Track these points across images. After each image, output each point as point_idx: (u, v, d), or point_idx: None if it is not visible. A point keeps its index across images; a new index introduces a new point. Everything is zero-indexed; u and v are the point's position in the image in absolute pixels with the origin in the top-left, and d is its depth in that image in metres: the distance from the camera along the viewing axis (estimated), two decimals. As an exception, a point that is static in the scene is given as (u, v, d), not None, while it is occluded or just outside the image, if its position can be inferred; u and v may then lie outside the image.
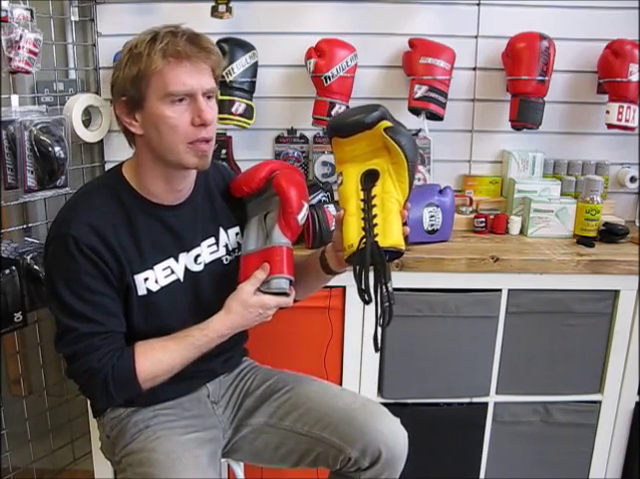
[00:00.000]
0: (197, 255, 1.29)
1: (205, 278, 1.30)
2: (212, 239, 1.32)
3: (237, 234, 1.36)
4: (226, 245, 1.34)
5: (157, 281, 1.23)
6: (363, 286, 1.13)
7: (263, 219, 1.31)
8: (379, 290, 1.14)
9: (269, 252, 1.25)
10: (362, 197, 1.17)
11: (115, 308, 1.18)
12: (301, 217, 1.28)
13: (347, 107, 1.90)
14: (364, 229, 1.14)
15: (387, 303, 1.14)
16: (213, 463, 1.27)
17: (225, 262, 1.34)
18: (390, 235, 1.14)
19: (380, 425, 1.30)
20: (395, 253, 1.15)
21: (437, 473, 1.87)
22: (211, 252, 1.32)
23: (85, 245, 1.13)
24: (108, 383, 1.15)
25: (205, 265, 1.30)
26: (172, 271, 1.25)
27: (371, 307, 1.15)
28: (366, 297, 1.14)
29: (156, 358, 1.18)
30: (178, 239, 1.26)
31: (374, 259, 1.12)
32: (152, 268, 1.22)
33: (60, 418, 2.00)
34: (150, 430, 1.26)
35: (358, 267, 1.14)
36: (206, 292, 1.30)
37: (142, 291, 1.21)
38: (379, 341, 1.17)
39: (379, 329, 1.16)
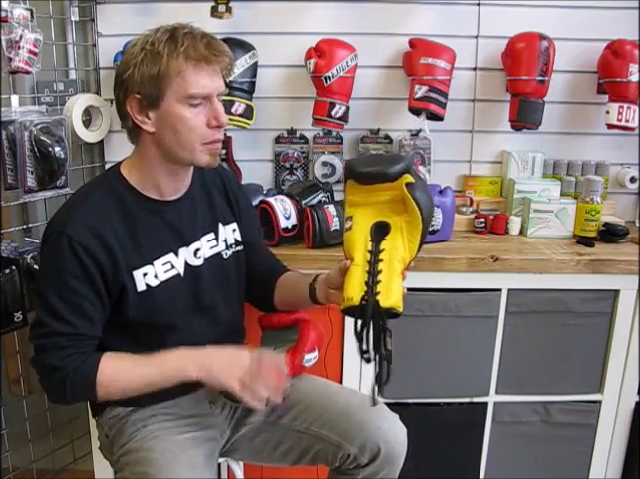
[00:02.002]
0: (197, 250, 1.29)
1: (205, 273, 1.30)
2: (212, 234, 1.33)
3: (235, 229, 1.37)
4: (226, 240, 1.35)
5: (156, 277, 1.23)
6: (364, 347, 1.12)
7: (273, 351, 1.36)
8: (379, 350, 1.13)
9: None
10: (369, 248, 1.14)
11: (92, 313, 1.17)
12: (308, 358, 1.35)
13: (347, 107, 1.90)
14: (367, 284, 1.11)
15: (385, 362, 1.14)
16: (210, 463, 1.27)
17: (225, 258, 1.35)
18: (390, 295, 1.11)
19: (378, 421, 1.31)
20: (392, 314, 1.13)
21: (437, 473, 1.88)
22: (211, 247, 1.32)
23: (78, 245, 1.13)
24: (65, 384, 1.14)
25: (205, 260, 1.31)
26: (173, 267, 1.25)
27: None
28: (366, 357, 1.13)
29: (118, 370, 1.17)
30: (178, 234, 1.27)
31: (374, 319, 1.11)
32: (151, 264, 1.22)
33: (60, 418, 2.00)
34: (147, 429, 1.26)
35: (359, 326, 1.11)
36: (206, 287, 1.30)
37: (140, 287, 1.21)
38: (375, 398, 1.14)
39: (376, 388, 1.14)
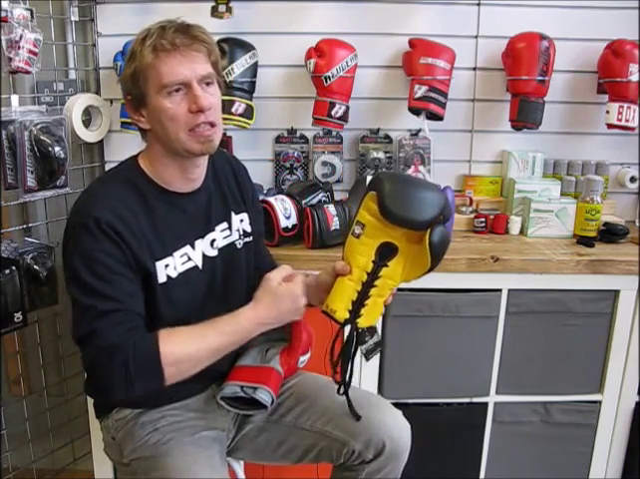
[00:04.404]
0: (213, 240, 1.31)
1: (219, 263, 1.31)
2: (225, 224, 1.34)
3: (242, 220, 1.38)
4: (238, 230, 1.37)
5: (175, 268, 1.24)
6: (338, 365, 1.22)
7: (264, 352, 1.37)
8: (346, 358, 1.21)
9: (265, 369, 1.32)
10: (369, 270, 1.14)
11: (133, 290, 1.16)
12: (302, 359, 1.37)
13: (347, 107, 1.90)
14: (353, 304, 1.15)
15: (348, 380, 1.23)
16: (224, 462, 1.28)
17: (239, 247, 1.36)
18: (371, 318, 1.17)
19: (383, 417, 1.31)
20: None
21: (437, 473, 1.88)
22: (225, 237, 1.33)
23: (107, 226, 1.13)
24: (128, 364, 1.07)
25: (219, 250, 1.32)
26: (189, 258, 1.26)
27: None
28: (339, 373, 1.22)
29: (181, 341, 1.12)
30: (194, 226, 1.28)
31: (348, 338, 1.19)
32: (171, 255, 1.23)
33: (60, 418, 2.00)
34: (159, 432, 1.25)
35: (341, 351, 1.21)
36: (219, 277, 1.31)
37: (162, 279, 1.21)
38: (356, 411, 1.27)
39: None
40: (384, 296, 1.16)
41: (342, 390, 1.24)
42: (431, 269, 1.13)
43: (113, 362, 1.07)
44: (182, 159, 1.22)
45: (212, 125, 1.18)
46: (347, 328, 1.18)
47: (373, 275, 1.14)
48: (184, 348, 1.12)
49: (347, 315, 1.15)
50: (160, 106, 1.16)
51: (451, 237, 1.16)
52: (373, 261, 1.14)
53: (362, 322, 1.15)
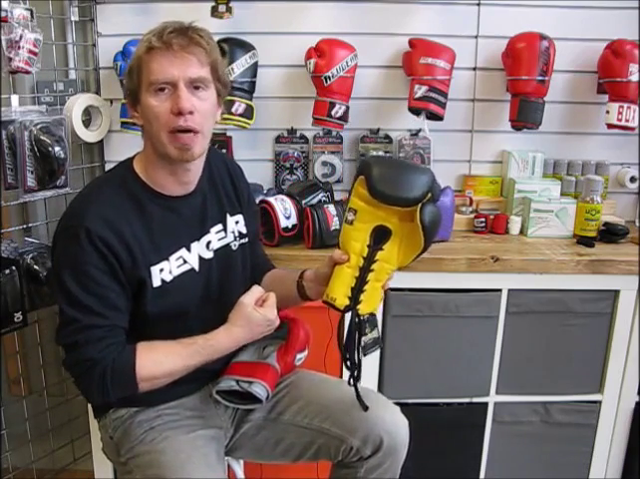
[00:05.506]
0: (208, 242, 1.31)
1: (215, 265, 1.32)
2: (220, 226, 1.34)
3: (238, 222, 1.38)
4: (233, 231, 1.37)
5: (170, 272, 1.24)
6: (347, 354, 1.20)
7: (262, 349, 1.37)
8: (352, 348, 1.20)
9: (262, 365, 1.32)
10: (365, 254, 1.15)
11: (119, 303, 1.18)
12: (299, 357, 1.37)
13: (347, 107, 1.90)
14: (352, 290, 1.16)
15: (356, 369, 1.22)
16: (221, 461, 1.28)
17: (234, 249, 1.36)
18: (371, 304, 1.17)
19: (380, 413, 1.31)
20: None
21: (437, 473, 1.88)
22: (219, 239, 1.33)
23: (97, 238, 1.13)
24: (106, 376, 1.13)
25: (215, 252, 1.32)
26: (185, 261, 1.26)
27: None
28: (349, 364, 1.21)
29: (157, 359, 1.18)
30: (190, 229, 1.28)
31: (351, 325, 1.18)
32: (167, 259, 1.24)
33: (60, 418, 2.00)
34: (155, 431, 1.26)
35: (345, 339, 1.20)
36: (215, 278, 1.31)
37: (157, 282, 1.22)
38: (364, 402, 1.26)
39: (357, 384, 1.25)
40: (382, 281, 1.16)
41: (351, 381, 1.23)
42: (425, 249, 1.14)
43: (91, 374, 1.14)
44: (170, 163, 1.21)
45: (194, 132, 1.17)
46: (348, 320, 1.18)
47: (369, 260, 1.15)
48: (159, 367, 1.18)
49: (347, 302, 1.15)
50: (147, 103, 1.17)
51: (441, 215, 1.16)
52: (368, 246, 1.15)
53: (363, 309, 1.16)
